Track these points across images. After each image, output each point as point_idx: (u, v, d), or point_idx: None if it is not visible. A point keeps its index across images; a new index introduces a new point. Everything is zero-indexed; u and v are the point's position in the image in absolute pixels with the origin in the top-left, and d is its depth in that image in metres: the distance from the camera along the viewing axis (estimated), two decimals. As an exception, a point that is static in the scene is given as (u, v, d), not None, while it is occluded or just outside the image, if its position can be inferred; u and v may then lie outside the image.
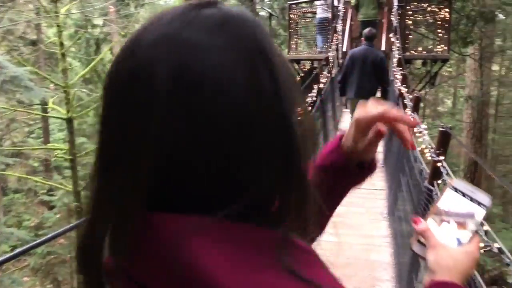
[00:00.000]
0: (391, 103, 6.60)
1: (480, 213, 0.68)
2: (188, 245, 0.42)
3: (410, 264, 2.85)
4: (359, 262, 3.80)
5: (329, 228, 0.75)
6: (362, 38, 6.61)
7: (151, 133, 0.44)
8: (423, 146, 2.82)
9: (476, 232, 0.68)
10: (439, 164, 2.34)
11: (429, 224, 0.69)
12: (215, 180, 0.45)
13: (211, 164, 0.45)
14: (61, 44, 11.99)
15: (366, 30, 6.54)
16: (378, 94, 6.58)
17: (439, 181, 2.35)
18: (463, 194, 0.69)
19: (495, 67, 18.95)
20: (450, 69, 20.39)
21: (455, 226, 0.68)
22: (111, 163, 0.47)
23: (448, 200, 0.70)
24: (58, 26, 12.08)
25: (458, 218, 0.68)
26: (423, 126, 2.99)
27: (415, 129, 3.26)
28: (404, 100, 4.63)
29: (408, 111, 3.85)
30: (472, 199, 0.68)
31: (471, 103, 16.26)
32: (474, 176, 15.61)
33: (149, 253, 0.44)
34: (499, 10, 13.87)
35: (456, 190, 0.69)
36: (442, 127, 2.43)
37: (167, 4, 22.87)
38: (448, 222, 0.68)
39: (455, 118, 18.67)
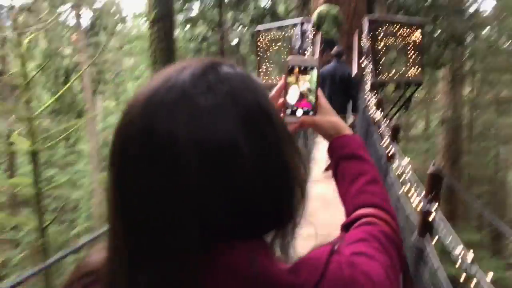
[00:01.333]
0: (363, 124, 6.37)
1: (314, 73, 0.85)
2: (260, 262, 0.54)
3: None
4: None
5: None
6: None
7: (191, 196, 0.51)
8: (409, 185, 2.37)
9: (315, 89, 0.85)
10: (431, 217, 1.89)
11: (292, 91, 0.85)
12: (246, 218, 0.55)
13: (241, 209, 0.54)
14: (25, 75, 11.62)
15: (334, 49, 6.77)
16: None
17: (434, 241, 1.85)
18: (299, 67, 0.84)
19: (466, 90, 19.11)
20: (421, 92, 20.51)
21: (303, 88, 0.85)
22: (153, 224, 0.52)
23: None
24: (21, 56, 11.71)
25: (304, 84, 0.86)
26: (405, 160, 2.59)
27: (394, 165, 2.88)
28: (380, 128, 4.25)
29: (387, 140, 3.47)
30: (306, 68, 0.84)
31: (445, 126, 16.25)
32: (451, 199, 15.49)
33: (229, 273, 0.54)
34: (469, 33, 13.97)
35: (292, 67, 0.84)
36: (433, 170, 2.02)
37: (139, 34, 22.58)
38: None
39: (429, 141, 18.65)
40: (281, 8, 17.77)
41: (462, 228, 12.03)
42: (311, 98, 0.85)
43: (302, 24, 9.63)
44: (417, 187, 2.25)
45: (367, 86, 7.00)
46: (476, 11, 18.09)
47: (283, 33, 10.65)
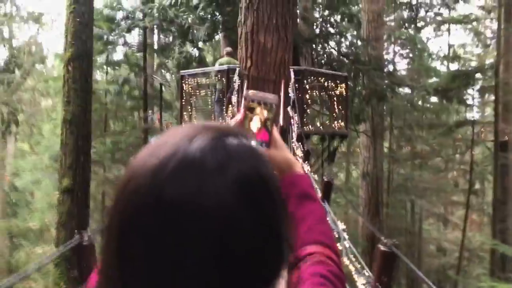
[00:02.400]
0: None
1: (273, 109, 0.88)
2: None
3: None
4: None
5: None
6: None
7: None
8: (345, 259, 1.95)
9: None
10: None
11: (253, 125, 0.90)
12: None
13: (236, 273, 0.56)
14: None
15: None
16: None
17: None
18: (259, 102, 0.88)
19: (386, 144, 19.81)
20: (341, 145, 21.02)
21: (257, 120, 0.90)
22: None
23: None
24: None
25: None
26: (341, 226, 2.22)
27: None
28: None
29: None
30: (265, 103, 0.88)
31: (366, 178, 16.56)
32: (373, 246, 15.60)
33: None
34: (388, 90, 14.54)
35: (253, 100, 0.88)
36: (385, 245, 1.64)
37: (55, 77, 21.48)
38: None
39: (351, 194, 18.91)
40: (209, 58, 17.69)
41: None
42: (268, 129, 0.88)
43: (228, 70, 9.45)
44: (357, 260, 1.85)
45: (294, 136, 6.76)
46: (394, 69, 19.13)
47: (208, 79, 10.37)
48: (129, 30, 13.81)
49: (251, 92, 0.90)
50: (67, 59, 9.73)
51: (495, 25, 18.94)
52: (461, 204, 21.76)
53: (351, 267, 1.87)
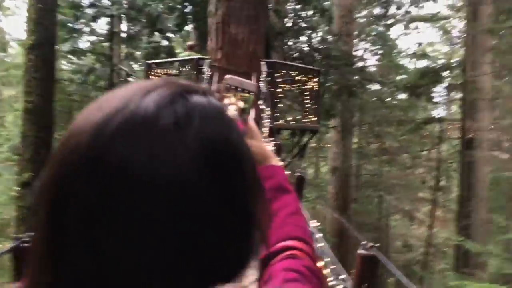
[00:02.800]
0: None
1: (251, 97, 0.87)
2: None
3: None
4: None
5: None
6: None
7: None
8: (322, 264, 1.79)
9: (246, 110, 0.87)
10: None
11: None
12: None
13: (192, 251, 0.47)
14: None
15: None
16: None
17: None
18: (236, 88, 0.86)
19: (355, 139, 19.92)
20: (312, 140, 21.00)
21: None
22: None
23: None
24: None
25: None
26: (313, 223, 2.07)
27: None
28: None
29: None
30: (243, 90, 0.86)
31: (335, 174, 16.62)
32: (341, 242, 15.70)
33: None
34: (359, 85, 14.57)
35: (230, 86, 0.85)
36: (364, 248, 1.49)
37: (17, 65, 20.74)
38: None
39: (320, 189, 18.95)
40: (179, 49, 17.36)
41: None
42: (244, 119, 0.85)
43: (197, 61, 9.21)
44: (333, 263, 1.70)
45: (265, 131, 6.60)
46: (364, 66, 19.23)
47: (176, 70, 10.10)
48: (95, 18, 13.34)
49: (228, 76, 0.85)
50: (28, 46, 9.30)
51: (462, 24, 19.25)
52: (427, 201, 22.12)
53: (326, 271, 1.72)
